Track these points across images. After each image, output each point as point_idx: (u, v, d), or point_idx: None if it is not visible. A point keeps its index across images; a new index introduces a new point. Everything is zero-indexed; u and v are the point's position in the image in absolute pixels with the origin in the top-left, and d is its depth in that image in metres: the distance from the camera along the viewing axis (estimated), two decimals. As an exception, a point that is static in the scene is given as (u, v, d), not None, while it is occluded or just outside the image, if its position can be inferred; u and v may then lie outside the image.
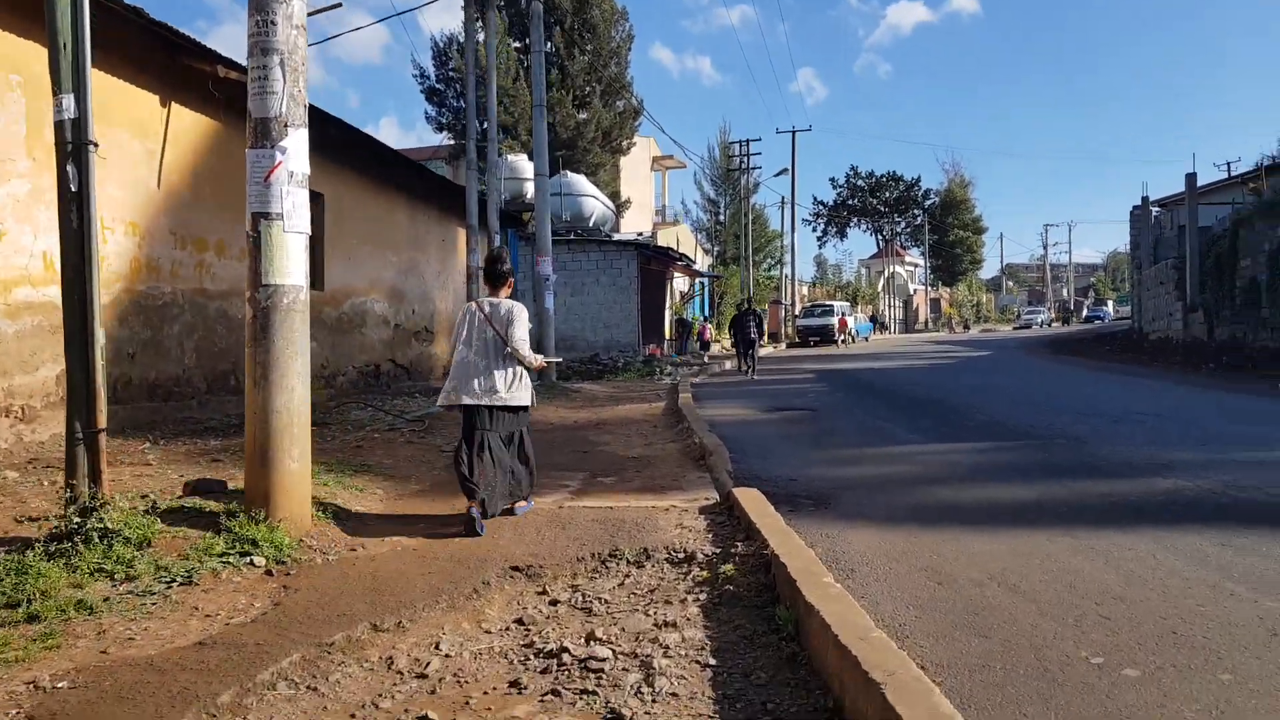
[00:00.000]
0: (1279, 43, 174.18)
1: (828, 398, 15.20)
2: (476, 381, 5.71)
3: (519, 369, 5.86)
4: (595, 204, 28.09)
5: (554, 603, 4.41)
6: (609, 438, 9.62)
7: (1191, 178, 29.73)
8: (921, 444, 9.47)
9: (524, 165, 28.97)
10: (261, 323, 5.26)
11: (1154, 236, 36.98)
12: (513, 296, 6.14)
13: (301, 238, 5.38)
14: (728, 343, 31.44)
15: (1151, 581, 4.43)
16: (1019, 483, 7.16)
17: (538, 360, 6.00)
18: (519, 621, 4.16)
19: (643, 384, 19.18)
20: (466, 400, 5.71)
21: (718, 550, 4.95)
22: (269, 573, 4.67)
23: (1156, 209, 41.15)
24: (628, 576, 4.74)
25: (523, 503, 6.08)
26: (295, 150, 5.35)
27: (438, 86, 47.36)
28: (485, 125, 46.35)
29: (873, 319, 62.88)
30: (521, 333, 5.80)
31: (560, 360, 23.76)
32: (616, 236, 30.04)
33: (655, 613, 4.16)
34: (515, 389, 5.82)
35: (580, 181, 28.09)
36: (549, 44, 46.27)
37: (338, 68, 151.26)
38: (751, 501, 5.61)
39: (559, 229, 27.69)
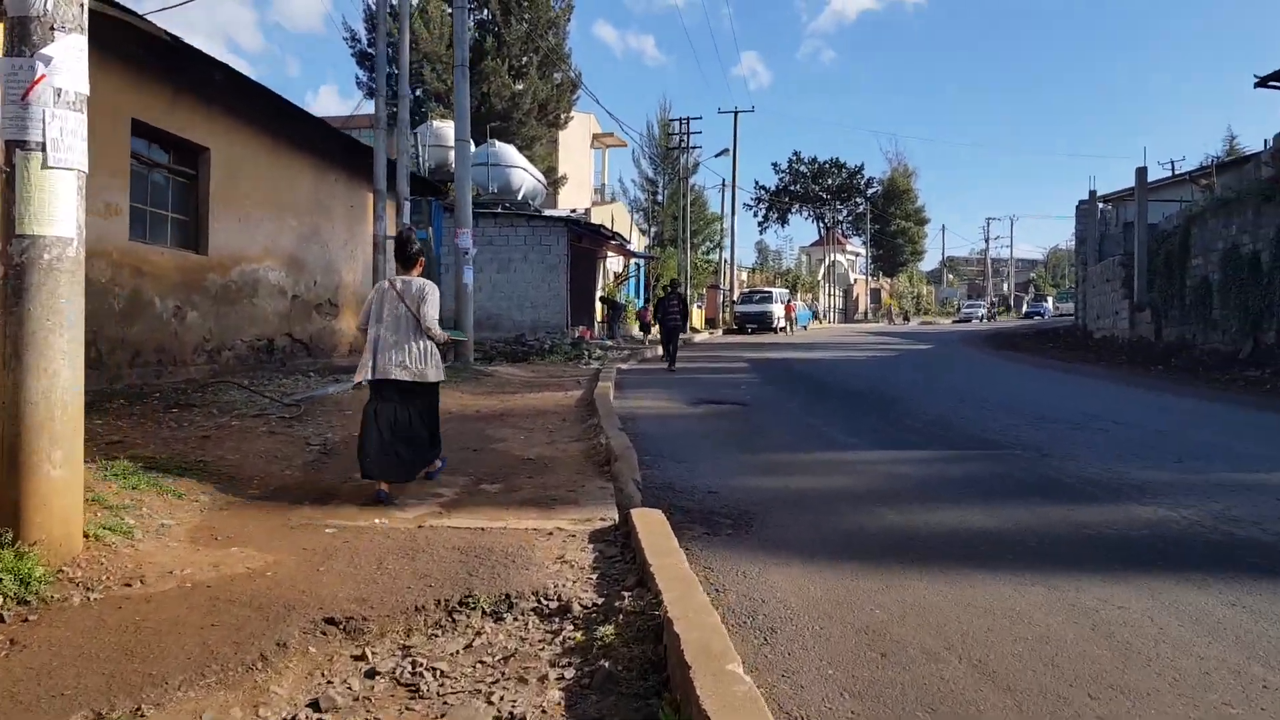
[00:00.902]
0: (1223, 41, 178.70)
1: (761, 390, 14.20)
2: (388, 356, 5.90)
3: (430, 345, 6.05)
4: (525, 176, 26.69)
5: (372, 673, 3.25)
6: (509, 433, 8.44)
7: (1142, 172, 29.40)
8: (862, 450, 8.48)
9: (451, 132, 27.42)
10: (14, 285, 3.96)
11: (1099, 232, 36.85)
12: (428, 273, 6.45)
13: (71, 176, 4.09)
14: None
15: (1156, 661, 3.42)
16: (976, 504, 6.17)
17: (443, 335, 6.16)
18: (314, 706, 2.99)
19: (566, 368, 18.01)
20: (378, 376, 5.92)
21: (600, 600, 3.82)
22: (-1, 618, 3.43)
23: (1102, 204, 41.20)
24: (479, 635, 3.59)
25: (436, 464, 6.39)
26: (65, 62, 4.05)
27: (369, 50, 45.24)
28: (413, 88, 44.29)
29: (808, 305, 62.48)
30: (433, 311, 6.01)
31: (465, 339, 22.34)
32: (547, 212, 28.69)
33: (502, 699, 3.02)
34: (425, 365, 6.02)
35: (509, 152, 26.64)
36: (484, 11, 44.52)
37: (278, 34, 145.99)
38: (651, 530, 4.50)
39: (485, 201, 26.27)
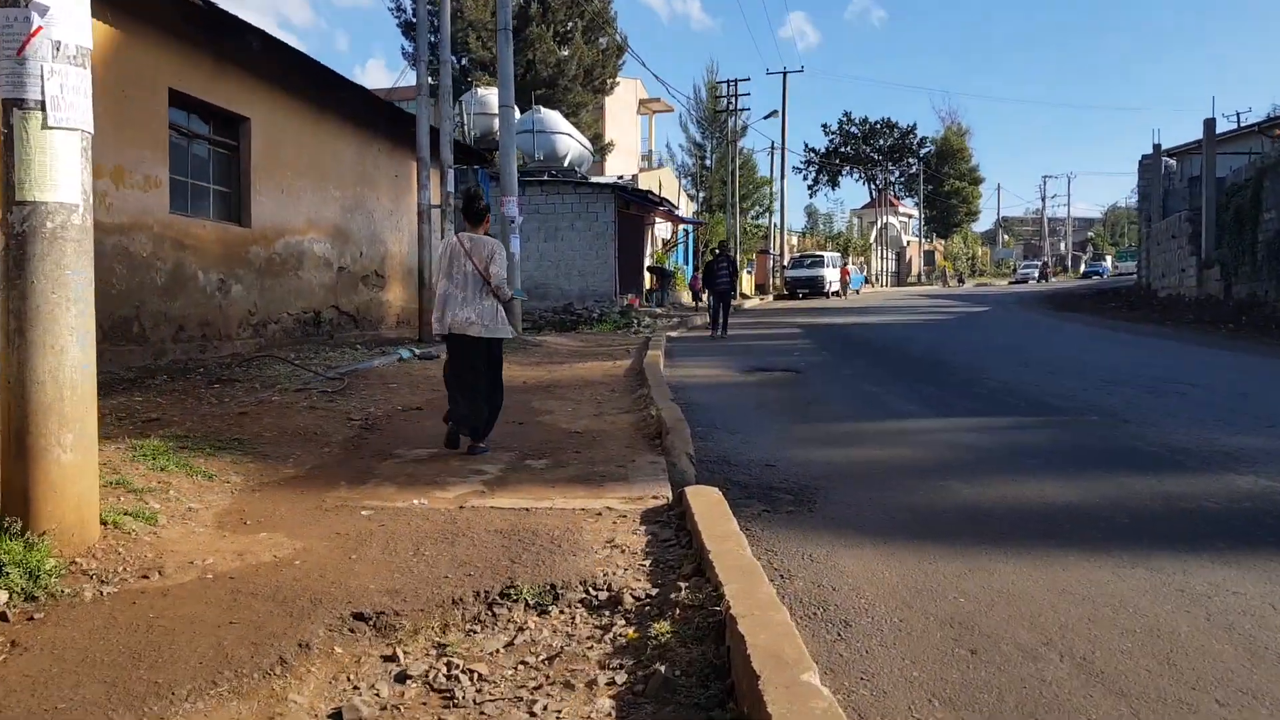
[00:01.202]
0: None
1: (814, 357, 13.73)
2: (458, 313, 6.03)
3: (496, 303, 6.15)
4: (571, 143, 26.23)
5: (402, 677, 2.96)
6: (556, 405, 8.13)
7: (1210, 124, 28.13)
8: (924, 418, 8.02)
9: (495, 99, 27.08)
10: (15, 255, 3.69)
11: (1164, 188, 35.41)
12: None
13: (74, 137, 3.79)
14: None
15: (1294, 662, 3.00)
16: (1054, 476, 5.72)
17: (508, 293, 6.24)
18: (336, 717, 2.71)
19: (614, 338, 17.70)
20: (453, 329, 6.07)
21: (655, 590, 3.49)
22: (2, 616, 3.20)
23: (1166, 159, 39.55)
24: (521, 631, 3.28)
25: (481, 445, 6.15)
26: (64, 11, 3.74)
27: (414, 20, 45.08)
28: (458, 57, 43.97)
29: (860, 269, 61.38)
30: (500, 270, 6.11)
31: (524, 297, 22.13)
32: (594, 179, 28.24)
33: (545, 709, 2.71)
34: (495, 322, 6.13)
35: (554, 118, 26.19)
36: (530, -25, 43.94)
37: (326, 8, 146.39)
38: (708, 511, 4.15)
39: (531, 169, 25.91)
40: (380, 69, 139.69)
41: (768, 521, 4.79)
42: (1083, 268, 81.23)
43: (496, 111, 25.70)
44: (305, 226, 13.31)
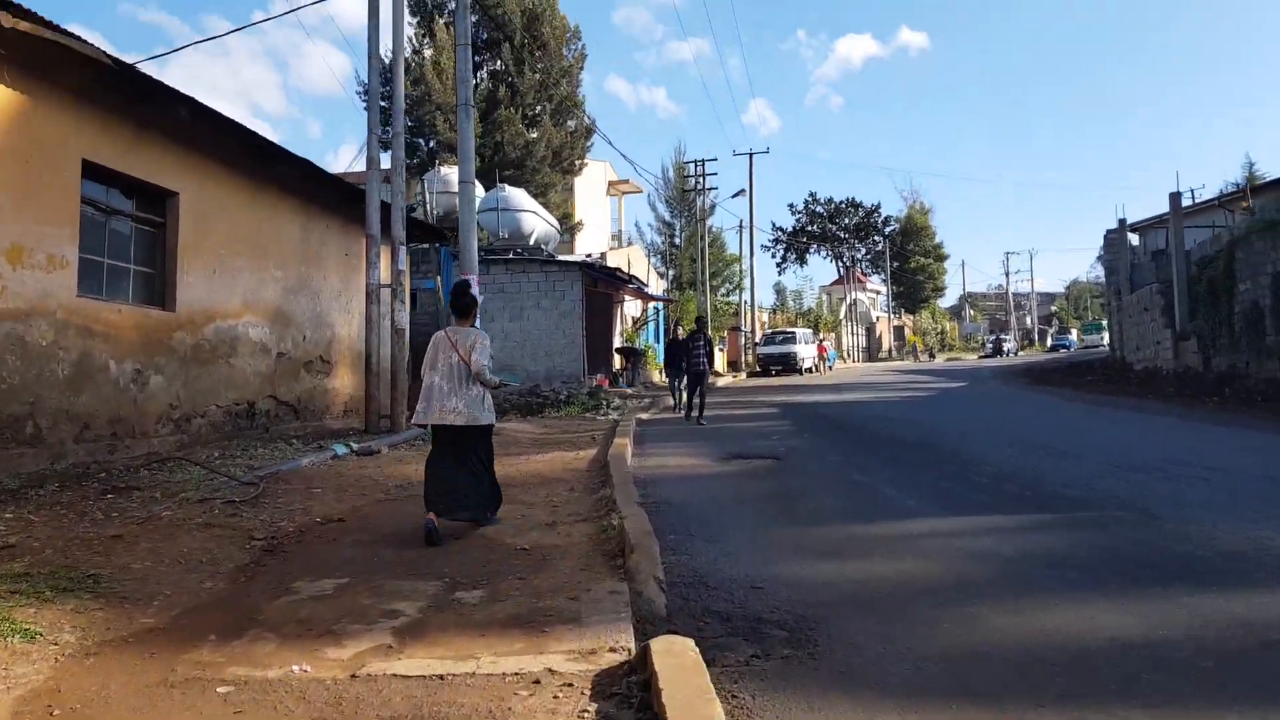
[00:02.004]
0: (1240, 71, 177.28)
1: (796, 440, 12.73)
2: (442, 402, 6.19)
3: (482, 391, 6.35)
4: (536, 221, 25.51)
5: None
6: (504, 510, 7.00)
7: (1176, 197, 28.05)
8: (926, 516, 6.99)
9: (454, 177, 26.42)
10: None
11: (1130, 262, 35.41)
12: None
13: None
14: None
15: None
16: (1099, 596, 4.69)
17: (494, 380, 6.44)
18: None
19: (581, 422, 16.62)
20: (437, 420, 6.21)
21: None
22: None
23: (1130, 234, 39.67)
24: None
25: (491, 520, 6.46)
26: None
27: (382, 104, 44.86)
28: (425, 139, 43.68)
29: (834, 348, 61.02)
30: (483, 358, 6.31)
31: (517, 382, 21.30)
32: (561, 257, 27.48)
33: None
34: (478, 410, 6.29)
35: (519, 196, 25.49)
36: (498, 62, 44.13)
37: (298, 97, 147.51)
38: (680, 684, 3.06)
39: (497, 247, 25.14)
40: (352, 154, 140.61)
41: (759, 678, 3.71)
42: (1049, 341, 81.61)
43: (456, 189, 25.10)
44: (240, 309, 12.24)
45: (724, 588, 5.09)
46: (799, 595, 4.90)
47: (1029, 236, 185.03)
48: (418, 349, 24.52)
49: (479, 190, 26.94)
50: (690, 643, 3.55)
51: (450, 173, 25.58)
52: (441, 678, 3.50)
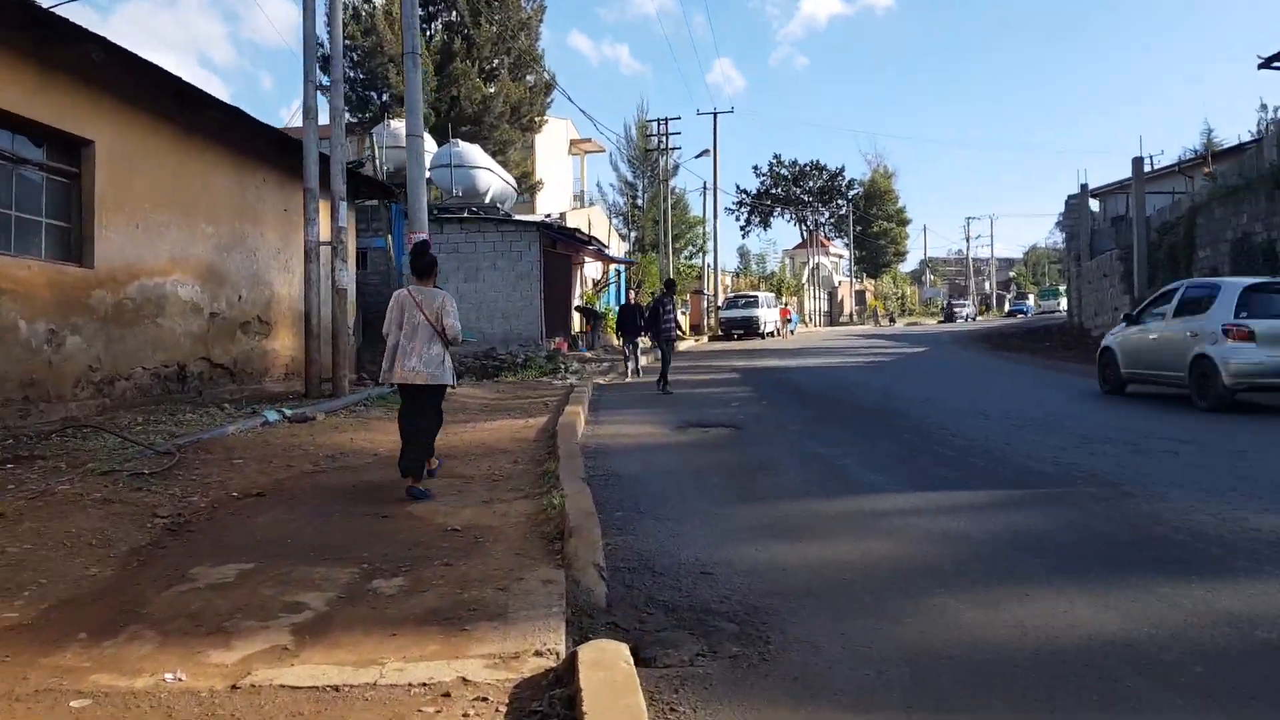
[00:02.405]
0: (1198, 38, 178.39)
1: (755, 408, 12.34)
2: (408, 361, 6.26)
3: (444, 352, 6.42)
4: (491, 178, 24.72)
5: None
6: (440, 485, 6.50)
7: (1138, 162, 27.84)
8: (893, 492, 6.61)
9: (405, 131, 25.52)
10: None
11: (1090, 229, 35.44)
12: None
13: None
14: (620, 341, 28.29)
15: None
16: (1076, 585, 4.33)
17: (459, 338, 6.50)
18: None
19: (536, 387, 16.11)
20: (404, 379, 6.30)
21: None
22: None
23: (1074, 202, 39.70)
24: None
25: (434, 463, 6.79)
26: None
27: (329, 54, 43.40)
28: (378, 92, 42.40)
29: (794, 309, 60.94)
30: (454, 321, 6.40)
31: (474, 340, 20.78)
32: (519, 217, 26.73)
33: None
34: (442, 370, 6.39)
35: (474, 152, 24.65)
36: (453, 13, 42.78)
37: (249, 49, 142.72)
38: (609, 705, 2.61)
39: (450, 205, 24.36)
40: (258, 94, 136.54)
41: (702, 684, 3.29)
42: (1007, 306, 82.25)
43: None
44: (167, 266, 11.51)
45: (671, 573, 4.66)
46: (752, 583, 4.49)
47: (990, 202, 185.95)
48: (367, 309, 23.78)
49: (430, 145, 26.07)
50: (624, 650, 3.11)
51: (401, 126, 24.64)
52: (336, 689, 3.02)
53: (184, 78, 11.03)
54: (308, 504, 5.90)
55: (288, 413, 9.48)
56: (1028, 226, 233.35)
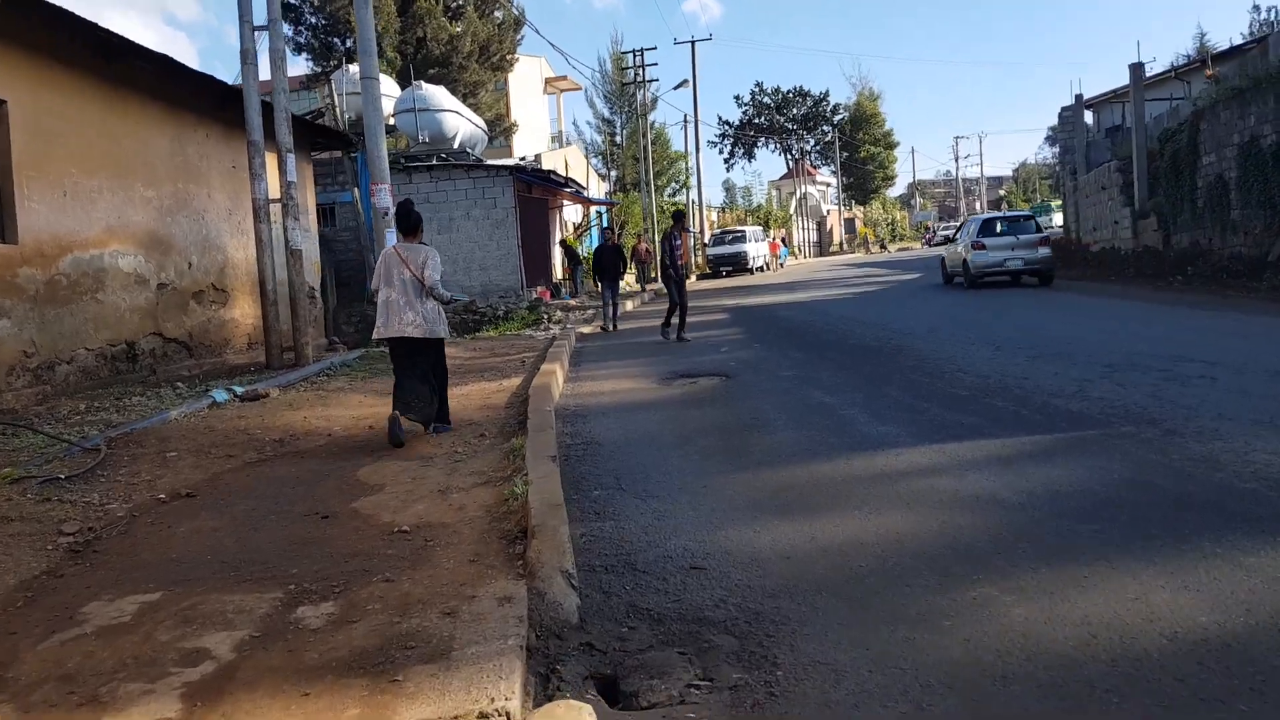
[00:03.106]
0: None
1: (746, 351, 11.59)
2: (399, 316, 6.50)
3: (434, 305, 6.69)
4: (459, 121, 23.55)
5: None
6: (393, 471, 5.73)
7: (1138, 68, 26.72)
8: (904, 446, 5.87)
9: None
10: None
11: (1085, 140, 34.38)
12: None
13: None
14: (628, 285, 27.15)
15: None
16: (1135, 561, 3.61)
17: (446, 295, 6.79)
18: None
19: (516, 340, 15.31)
20: (395, 333, 6.55)
21: None
22: None
23: (1068, 114, 38.50)
24: None
25: (440, 424, 6.86)
26: None
27: (293, 1, 41.64)
28: (342, 39, 40.69)
29: (783, 241, 59.89)
30: (435, 274, 6.62)
31: (468, 299, 19.71)
32: (491, 161, 25.61)
33: None
34: (434, 324, 6.68)
35: (439, 94, 23.41)
36: (416, -55, 40.85)
37: (215, 5, 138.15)
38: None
39: (417, 152, 23.27)
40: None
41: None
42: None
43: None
44: (104, 236, 10.59)
45: (657, 570, 3.93)
46: (752, 578, 3.77)
47: (977, 120, 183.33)
48: (339, 268, 22.76)
49: (393, 89, 24.82)
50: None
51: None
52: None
53: (110, 28, 10.02)
54: (241, 504, 5.14)
55: (239, 390, 8.68)
56: (1017, 143, 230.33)
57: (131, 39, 10.65)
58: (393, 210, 15.81)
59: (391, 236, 15.34)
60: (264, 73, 12.50)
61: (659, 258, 17.83)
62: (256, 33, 11.74)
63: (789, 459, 5.79)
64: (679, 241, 14.45)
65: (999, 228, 21.37)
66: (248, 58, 11.67)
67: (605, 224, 30.21)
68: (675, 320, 13.67)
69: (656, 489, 5.23)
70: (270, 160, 12.06)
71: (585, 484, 5.42)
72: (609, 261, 16.98)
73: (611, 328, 16.39)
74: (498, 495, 4.80)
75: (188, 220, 12.29)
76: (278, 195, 11.73)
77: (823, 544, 4.15)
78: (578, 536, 4.38)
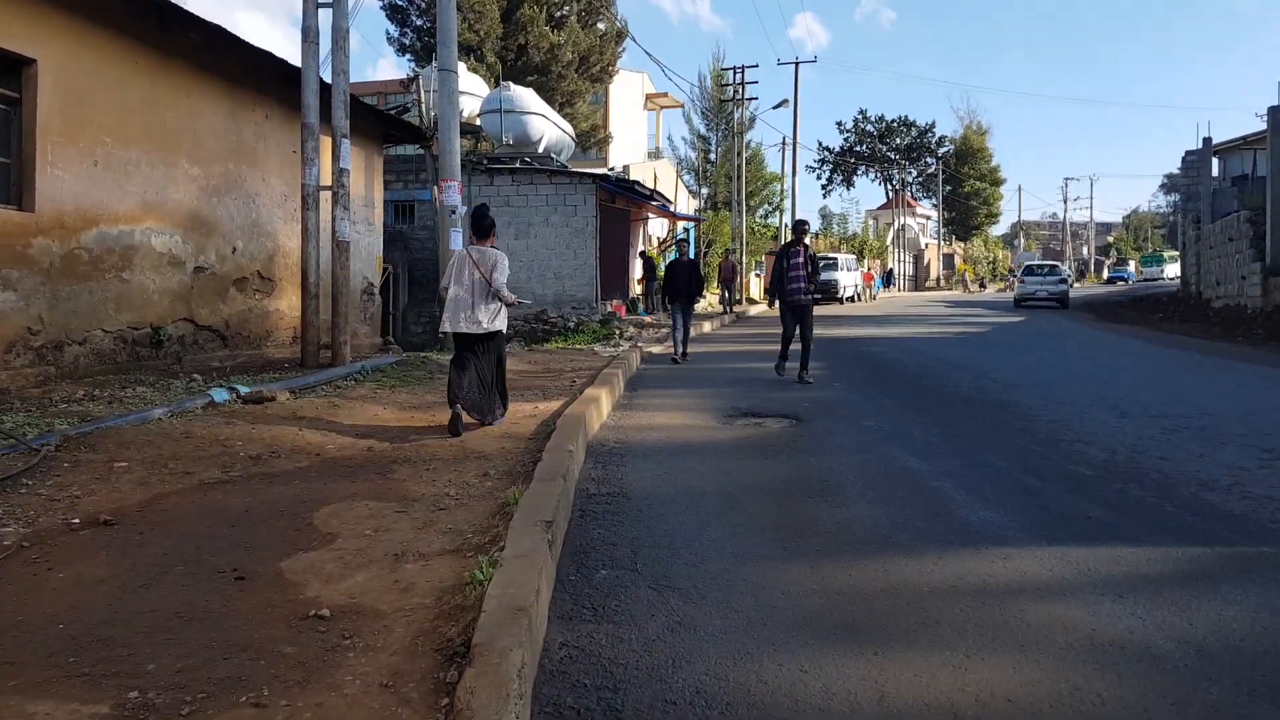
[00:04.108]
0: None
1: (826, 390, 10.21)
2: (464, 314, 7.04)
3: (499, 305, 7.16)
4: (546, 125, 22.70)
5: None
6: (356, 516, 4.59)
7: (1276, 111, 24.32)
8: (1014, 542, 4.49)
9: (462, 77, 23.68)
10: None
11: (1211, 188, 31.87)
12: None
13: None
14: (716, 298, 25.77)
15: None
16: None
17: (512, 298, 7.20)
18: None
19: (578, 355, 14.19)
20: (459, 329, 7.06)
21: None
22: None
23: (1192, 159, 35.86)
24: None
25: (497, 419, 7.30)
26: None
27: (399, 3, 41.81)
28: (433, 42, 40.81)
29: (888, 274, 57.89)
30: (502, 276, 7.08)
31: (530, 304, 18.57)
32: (575, 168, 24.71)
33: None
34: (494, 321, 7.14)
35: (526, 96, 22.62)
36: (523, -47, 40.64)
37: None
38: None
39: (500, 154, 22.51)
40: (389, 67, 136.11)
41: None
42: (1105, 273, 77.15)
43: (464, 90, 22.36)
44: (137, 212, 9.86)
45: (652, 723, 2.69)
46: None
47: (1088, 163, 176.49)
48: (413, 266, 22.10)
49: (482, 88, 24.15)
50: None
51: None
52: None
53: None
54: (157, 544, 4.08)
55: (243, 390, 7.72)
56: (1127, 189, 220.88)
57: (183, 5, 9.94)
58: (461, 209, 14.95)
59: (456, 236, 14.45)
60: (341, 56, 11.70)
61: (767, 277, 15.75)
62: (320, 9, 10.93)
63: (861, 548, 4.46)
64: (801, 259, 11.19)
65: (1036, 270, 33.67)
66: (309, 35, 10.87)
67: (683, 237, 29.14)
68: (794, 356, 11.21)
69: (681, 576, 3.99)
70: (329, 146, 11.23)
71: (592, 557, 4.21)
72: (682, 279, 14.34)
73: (679, 357, 13.79)
74: (460, 573, 3.61)
75: (236, 203, 11.56)
76: (328, 182, 10.87)
77: (895, 707, 2.84)
78: (555, 648, 3.18)
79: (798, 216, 46.04)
